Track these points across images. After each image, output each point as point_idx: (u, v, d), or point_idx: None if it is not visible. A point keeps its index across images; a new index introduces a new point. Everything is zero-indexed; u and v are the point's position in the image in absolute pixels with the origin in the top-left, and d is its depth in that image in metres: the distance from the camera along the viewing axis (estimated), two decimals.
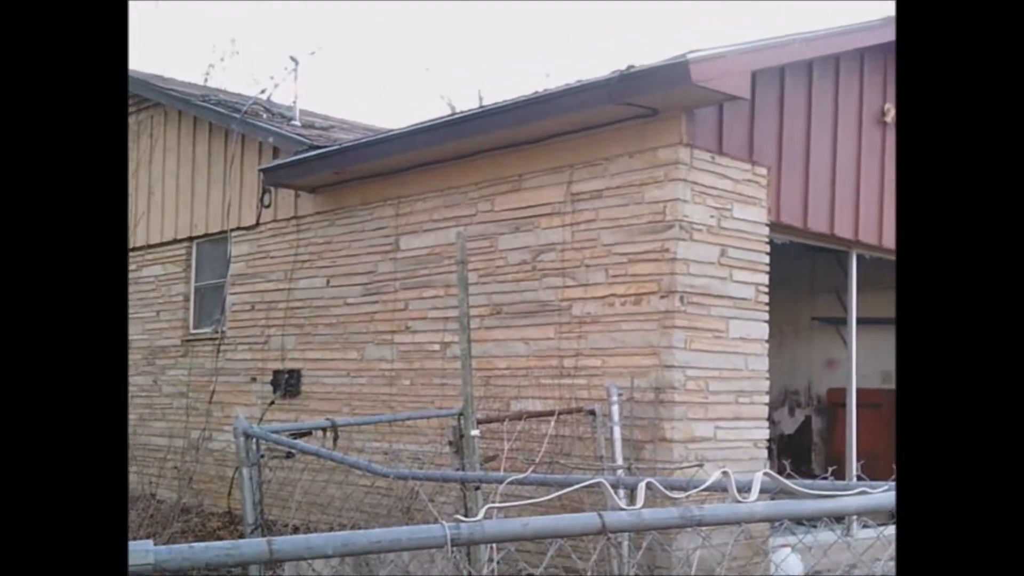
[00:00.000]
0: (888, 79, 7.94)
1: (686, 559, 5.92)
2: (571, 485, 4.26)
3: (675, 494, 3.08)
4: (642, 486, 2.53)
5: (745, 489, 2.66)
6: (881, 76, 7.88)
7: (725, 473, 2.68)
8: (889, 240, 7.96)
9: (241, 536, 8.40)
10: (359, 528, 6.58)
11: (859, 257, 8.06)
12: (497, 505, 2.57)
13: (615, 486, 5.26)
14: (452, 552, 2.07)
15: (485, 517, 2.24)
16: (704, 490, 3.03)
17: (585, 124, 6.66)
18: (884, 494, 2.76)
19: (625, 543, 5.78)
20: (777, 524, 6.17)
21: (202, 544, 1.81)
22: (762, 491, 3.01)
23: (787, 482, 2.87)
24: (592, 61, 31.57)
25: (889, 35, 7.48)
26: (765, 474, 2.75)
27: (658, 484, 2.71)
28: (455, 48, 35.35)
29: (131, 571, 1.68)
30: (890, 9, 7.59)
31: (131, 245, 11.31)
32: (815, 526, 7.12)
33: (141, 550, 1.70)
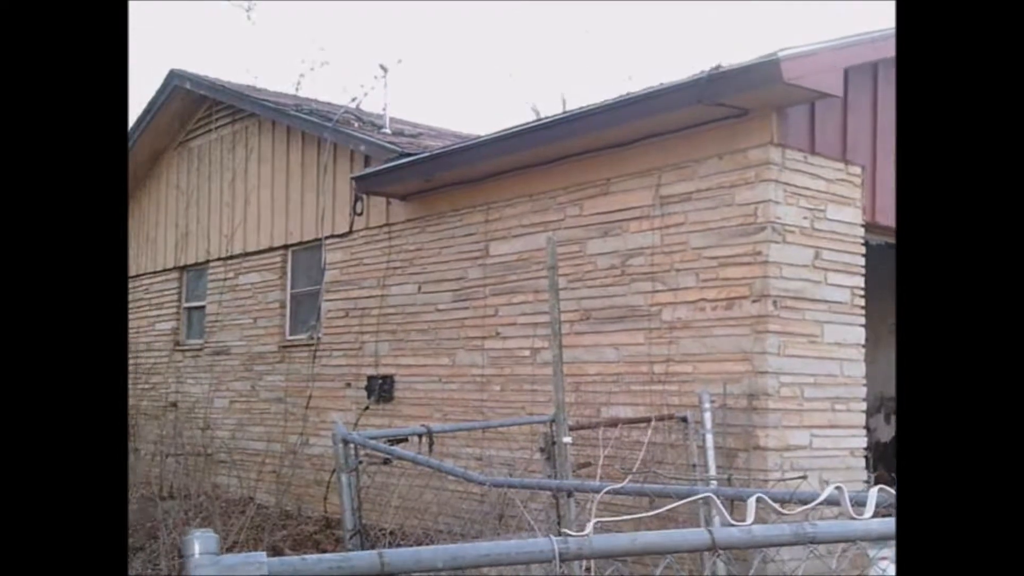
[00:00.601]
0: None
1: (779, 570, 5.79)
2: (669, 496, 4.20)
3: (781, 507, 3.00)
4: (752, 501, 2.44)
5: (858, 504, 2.57)
6: None
7: (839, 488, 2.58)
8: None
9: (338, 541, 8.56)
10: (454, 534, 6.67)
11: None
12: (604, 519, 2.52)
13: (716, 497, 5.19)
14: (561, 567, 2.06)
15: (586, 531, 2.20)
16: (816, 505, 2.93)
17: (673, 126, 6.59)
18: None
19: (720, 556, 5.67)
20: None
21: (314, 556, 1.82)
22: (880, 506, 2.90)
23: None
24: (674, 63, 31.26)
25: None
26: (880, 489, 2.66)
27: (768, 499, 2.62)
28: (538, 53, 35.38)
29: None
30: None
31: (229, 253, 11.65)
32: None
33: (255, 562, 1.70)
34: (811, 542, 2.14)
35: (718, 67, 6.00)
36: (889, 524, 2.35)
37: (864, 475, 6.63)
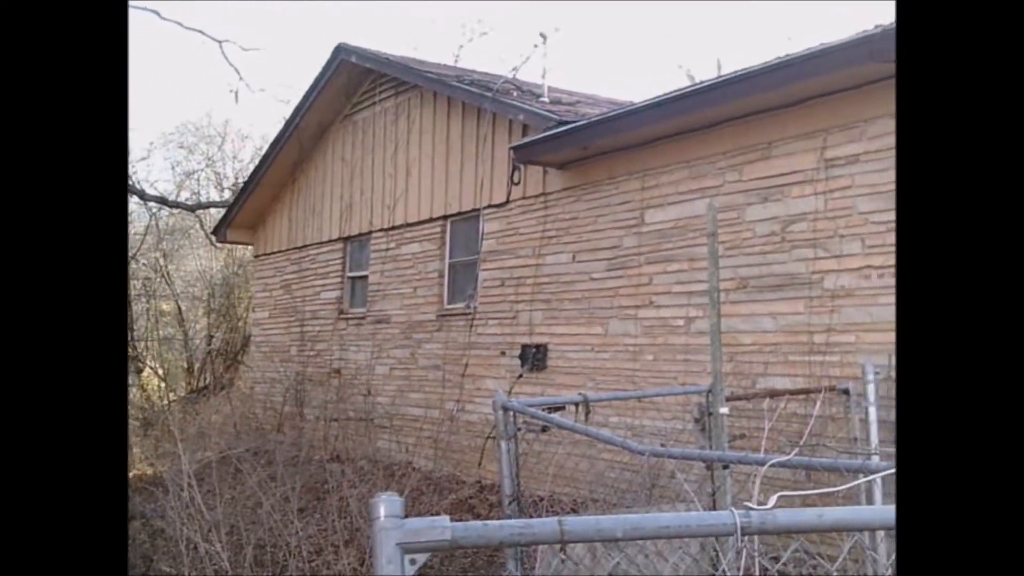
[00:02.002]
0: None
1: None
2: (838, 470, 4.02)
3: None
4: None
5: None
6: None
7: None
8: None
9: (492, 506, 8.71)
10: (607, 503, 6.67)
11: None
12: (788, 493, 2.43)
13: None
14: (743, 540, 2.01)
15: (769, 504, 2.14)
16: None
17: (840, 86, 6.32)
18: None
19: (882, 544, 5.44)
20: None
21: (496, 522, 1.84)
22: None
23: None
24: (831, 25, 29.90)
25: None
26: None
27: None
28: (693, 17, 34.64)
29: (427, 546, 1.73)
30: None
31: (391, 224, 11.98)
32: None
33: (439, 526, 1.73)
34: None
35: (890, 24, 5.70)
36: None
37: None
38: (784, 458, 4.17)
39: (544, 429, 5.81)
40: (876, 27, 5.82)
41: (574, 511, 6.95)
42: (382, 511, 1.70)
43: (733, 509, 1.94)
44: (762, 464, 4.67)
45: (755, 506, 1.93)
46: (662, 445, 6.71)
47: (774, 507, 1.97)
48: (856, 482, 2.52)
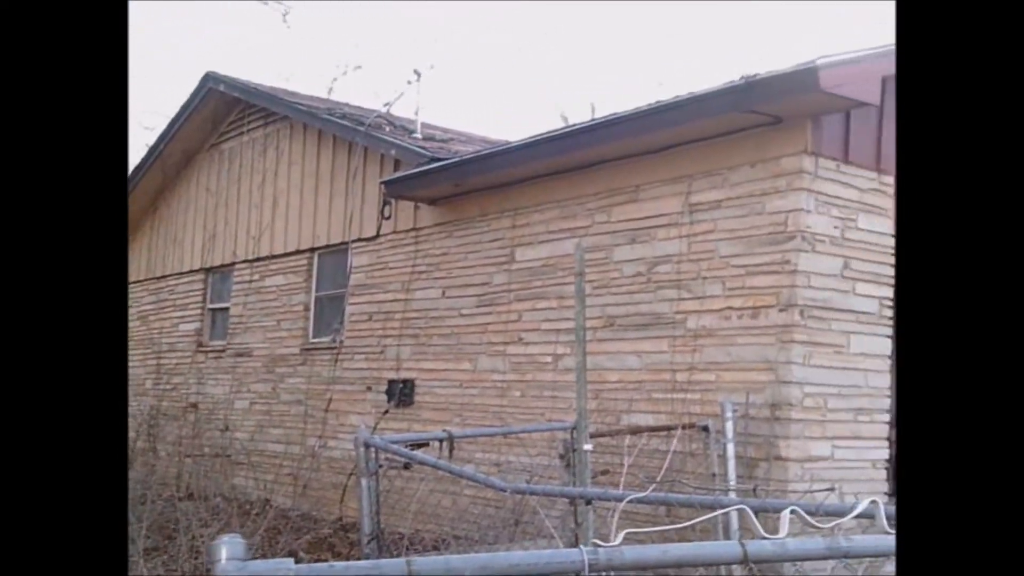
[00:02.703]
0: None
1: None
2: (693, 506, 4.13)
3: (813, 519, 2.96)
4: (786, 514, 2.42)
5: (892, 518, 2.54)
6: None
7: (874, 502, 2.56)
8: None
9: (353, 545, 8.52)
10: (470, 540, 6.63)
11: None
12: (636, 531, 2.49)
13: (771, 510, 5.12)
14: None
15: (616, 541, 2.16)
16: (851, 518, 2.88)
17: (706, 133, 6.60)
18: None
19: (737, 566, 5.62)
20: None
21: (343, 564, 1.83)
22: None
23: None
24: (703, 70, 31.25)
25: None
26: None
27: (802, 512, 2.59)
28: (568, 59, 35.54)
29: None
30: None
31: (255, 256, 11.72)
32: None
33: (283, 569, 1.71)
34: (845, 556, 2.11)
35: (754, 75, 6.01)
36: None
37: (885, 487, 6.57)
38: (641, 494, 4.26)
39: (407, 466, 5.77)
40: (741, 78, 6.12)
41: (435, 549, 6.89)
42: (223, 554, 1.67)
43: (583, 547, 1.98)
44: (620, 500, 4.77)
45: (603, 543, 1.97)
46: (528, 481, 6.75)
47: (621, 544, 2.01)
48: (708, 516, 2.60)
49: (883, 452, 6.65)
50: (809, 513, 3.01)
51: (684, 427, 6.48)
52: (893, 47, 6.21)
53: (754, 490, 5.90)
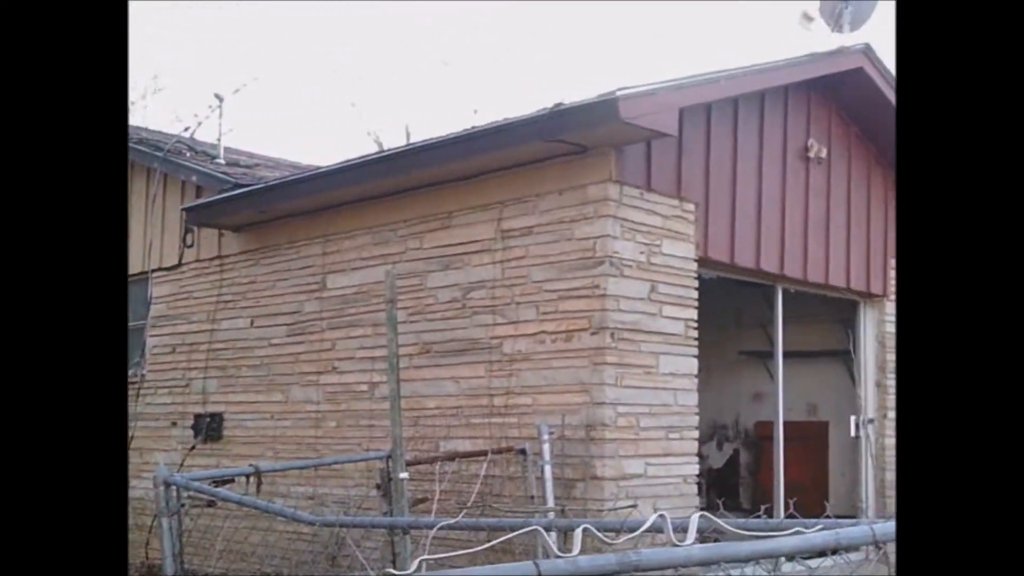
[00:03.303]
0: (812, 115, 8.09)
1: None
2: (504, 529, 4.16)
3: (612, 536, 3.01)
4: (579, 532, 2.49)
5: (682, 530, 2.62)
6: (804, 112, 8.03)
7: (662, 516, 2.64)
8: (814, 273, 8.08)
9: None
10: None
11: (784, 291, 8.16)
12: (429, 557, 2.49)
13: (548, 528, 5.19)
14: None
15: (417, 568, 2.17)
16: (641, 532, 2.98)
17: (515, 161, 6.64)
18: (819, 533, 2.75)
19: None
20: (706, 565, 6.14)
21: None
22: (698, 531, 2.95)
23: (722, 523, 2.83)
24: (520, 97, 31.78)
25: (811, 72, 7.64)
26: (701, 516, 2.71)
27: (594, 530, 2.66)
28: (382, 84, 35.24)
29: None
30: (813, 47, 7.77)
31: None
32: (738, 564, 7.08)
33: None
34: (635, 570, 2.17)
35: (559, 104, 6.09)
36: (711, 549, 2.39)
37: (696, 501, 6.81)
38: (452, 520, 4.27)
39: (211, 504, 5.54)
40: (544, 109, 6.19)
41: None
42: None
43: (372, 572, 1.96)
44: (431, 527, 4.75)
45: (397, 572, 1.95)
46: (345, 513, 6.61)
47: (416, 571, 2.00)
48: (503, 538, 2.63)
49: (693, 468, 6.89)
50: (613, 530, 3.05)
51: (502, 451, 6.51)
52: (688, 80, 6.47)
53: (562, 511, 5.99)
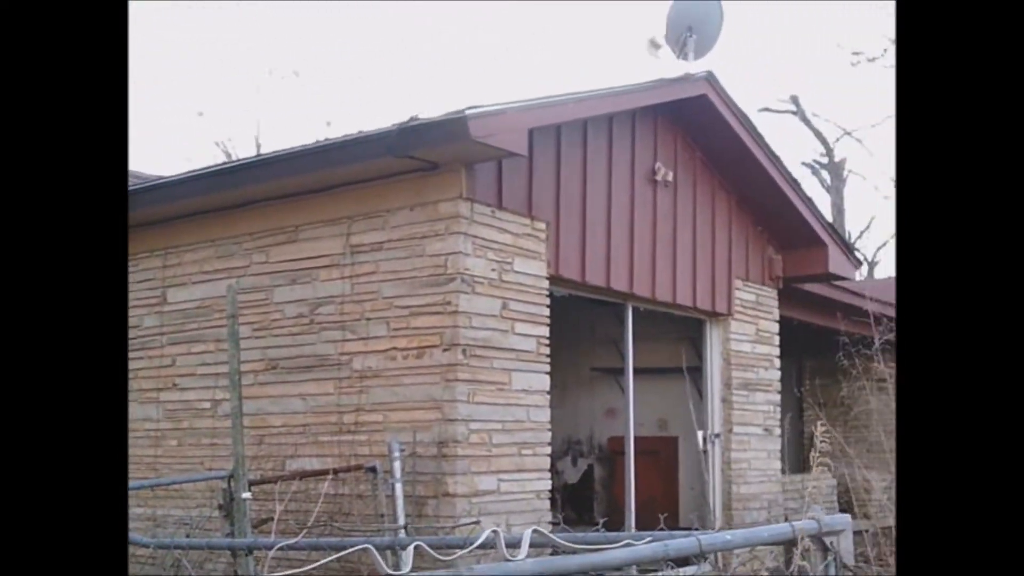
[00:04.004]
0: (659, 139, 8.33)
1: None
2: (345, 548, 4.11)
3: (451, 553, 3.00)
4: (410, 549, 2.50)
5: (516, 545, 2.64)
6: (652, 136, 8.26)
7: (495, 531, 2.66)
8: (662, 292, 8.30)
9: None
10: None
11: (634, 309, 8.35)
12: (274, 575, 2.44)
13: (391, 547, 5.13)
14: None
15: None
16: (478, 548, 2.99)
17: (365, 176, 6.57)
18: (648, 545, 2.81)
19: None
20: None
21: None
22: (538, 546, 2.97)
23: (554, 538, 2.85)
24: (376, 111, 31.60)
25: (657, 97, 7.87)
26: (534, 531, 2.74)
27: (426, 546, 2.66)
28: (232, 94, 34.42)
29: None
30: (660, 73, 8.02)
31: None
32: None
33: None
34: None
35: (410, 120, 6.06)
36: (541, 563, 2.42)
37: (549, 516, 6.86)
38: (292, 540, 4.20)
39: None
40: (395, 124, 6.15)
41: None
42: None
43: None
44: (270, 548, 4.66)
45: None
46: (188, 535, 6.37)
47: None
48: (333, 556, 2.63)
49: (546, 483, 6.94)
50: (453, 547, 3.05)
51: (350, 468, 6.40)
52: (538, 101, 6.56)
53: (405, 528, 5.94)
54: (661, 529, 3.70)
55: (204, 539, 5.70)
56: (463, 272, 6.30)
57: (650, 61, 8.15)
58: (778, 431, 9.72)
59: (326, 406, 6.78)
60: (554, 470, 7.12)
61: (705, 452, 9.19)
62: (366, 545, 2.49)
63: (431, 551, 2.58)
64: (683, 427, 10.08)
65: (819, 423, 2.77)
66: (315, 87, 34.78)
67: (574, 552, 2.83)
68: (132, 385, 7.86)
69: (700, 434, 9.15)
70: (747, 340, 9.41)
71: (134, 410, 7.82)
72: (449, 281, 6.31)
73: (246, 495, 5.33)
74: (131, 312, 7.94)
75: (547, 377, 6.98)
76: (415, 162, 6.27)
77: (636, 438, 8.64)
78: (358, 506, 6.46)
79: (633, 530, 7.42)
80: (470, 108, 5.82)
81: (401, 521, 6.07)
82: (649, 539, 2.96)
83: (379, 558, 2.55)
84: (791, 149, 29.54)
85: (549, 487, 7.01)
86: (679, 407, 10.30)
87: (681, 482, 10.38)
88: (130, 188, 7.89)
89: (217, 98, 33.86)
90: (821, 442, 2.59)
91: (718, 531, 5.08)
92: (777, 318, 9.87)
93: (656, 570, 6.79)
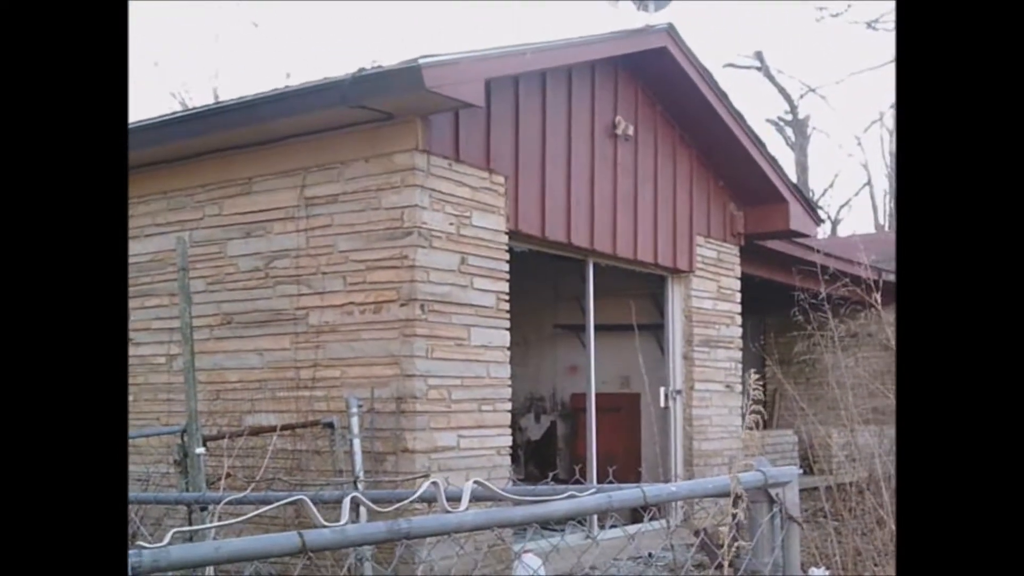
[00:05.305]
0: (619, 93, 8.25)
1: (429, 570, 5.83)
2: (292, 504, 4.09)
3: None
4: (347, 501, 2.44)
5: (456, 498, 2.61)
6: (612, 89, 8.17)
7: (435, 483, 2.63)
8: (623, 249, 8.27)
9: None
10: None
11: (595, 265, 8.32)
12: (183, 529, 2.40)
13: (337, 501, 5.11)
14: None
15: (165, 541, 2.07)
16: (423, 502, 2.95)
17: (320, 126, 6.44)
18: (591, 497, 2.79)
19: (368, 560, 5.60)
20: (522, 530, 6.19)
21: None
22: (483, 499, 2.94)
23: (497, 490, 2.82)
24: (336, 63, 31.18)
25: (616, 49, 7.77)
26: (475, 482, 2.71)
27: (363, 498, 2.62)
28: (189, 45, 33.78)
29: None
30: (620, 26, 7.90)
31: None
32: (562, 529, 7.21)
33: None
34: (406, 538, 2.13)
35: (362, 69, 5.94)
36: (483, 515, 2.39)
37: (509, 472, 6.86)
38: (240, 495, 4.17)
39: None
40: (347, 74, 6.01)
41: None
42: None
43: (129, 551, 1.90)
44: (217, 503, 4.63)
45: (149, 545, 1.89)
46: (144, 490, 6.33)
47: (169, 544, 1.95)
48: (263, 509, 2.61)
49: (507, 439, 6.94)
50: (381, 501, 3.03)
51: (305, 425, 6.36)
52: (494, 51, 6.44)
53: (355, 482, 5.91)
54: (610, 482, 3.69)
55: (152, 494, 5.66)
56: (420, 226, 6.22)
57: (610, 13, 8.03)
58: (739, 388, 9.79)
59: (282, 361, 6.71)
60: (516, 427, 7.13)
61: (667, 408, 9.23)
62: (302, 497, 2.43)
63: (370, 504, 2.54)
64: (645, 384, 10.14)
65: (752, 371, 2.74)
66: (275, 38, 34.23)
67: (519, 504, 2.80)
68: None
69: (662, 390, 9.18)
70: (708, 297, 9.43)
71: None
72: (406, 235, 6.23)
73: (200, 450, 5.30)
74: None
75: (507, 333, 6.95)
76: (370, 112, 6.15)
77: (598, 395, 8.66)
78: (316, 462, 6.43)
79: (595, 484, 7.45)
80: (424, 57, 5.70)
81: (360, 476, 6.05)
82: (593, 491, 2.93)
83: (314, 509, 2.51)
84: (755, 105, 29.55)
85: (510, 443, 7.01)
86: (640, 364, 10.35)
87: (644, 439, 10.44)
88: None
89: (174, 48, 33.25)
90: (754, 391, 2.57)
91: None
92: (739, 275, 9.89)
93: (615, 525, 6.85)
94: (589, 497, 2.79)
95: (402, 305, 6.24)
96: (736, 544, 2.55)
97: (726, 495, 2.91)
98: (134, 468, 7.01)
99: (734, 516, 2.85)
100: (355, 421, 6.10)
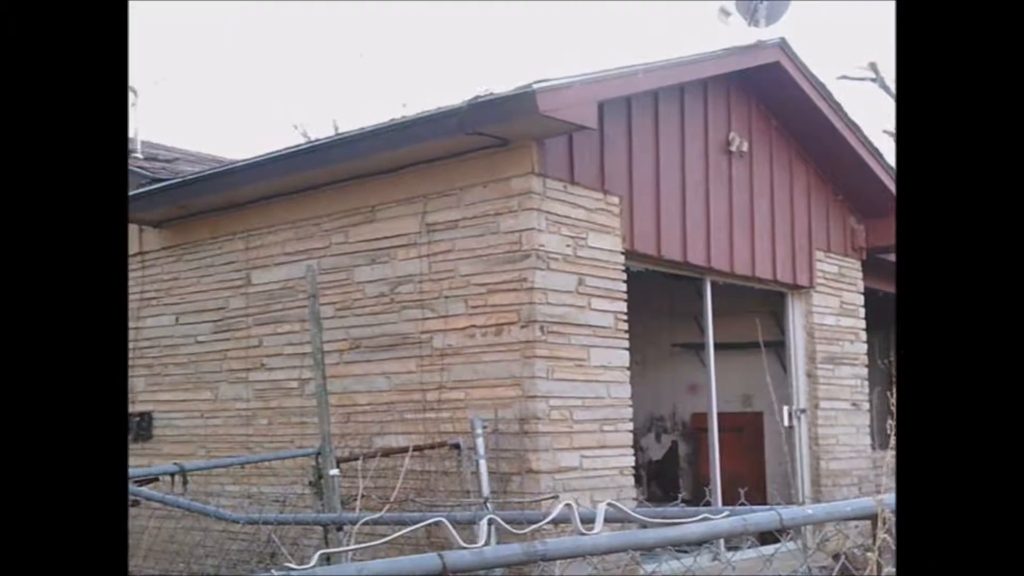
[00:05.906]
0: (733, 109, 8.18)
1: None
2: (433, 524, 4.18)
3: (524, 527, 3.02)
4: (484, 523, 2.50)
5: (591, 520, 2.64)
6: (725, 106, 8.11)
7: (568, 505, 2.66)
8: (740, 266, 8.17)
9: None
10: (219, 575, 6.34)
11: (713, 283, 8.24)
12: (328, 551, 2.49)
13: (471, 522, 5.19)
14: None
15: (311, 563, 2.16)
16: (552, 523, 2.99)
17: (438, 154, 6.61)
18: (725, 519, 2.78)
19: None
20: (648, 552, 6.15)
21: None
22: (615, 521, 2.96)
23: (630, 511, 2.85)
24: (453, 90, 31.63)
25: (729, 66, 7.72)
26: (609, 505, 2.73)
27: (500, 519, 2.67)
28: (310, 77, 34.81)
29: None
30: (730, 42, 7.85)
31: None
32: (687, 551, 7.13)
33: None
34: (542, 559, 2.17)
35: (477, 97, 6.07)
36: (617, 537, 2.41)
37: (634, 492, 6.84)
38: (376, 515, 4.27)
39: (135, 503, 5.48)
40: (464, 102, 6.16)
41: None
42: None
43: (274, 570, 2.00)
44: (354, 523, 4.74)
45: (296, 567, 1.96)
46: (281, 511, 6.55)
47: (315, 566, 2.01)
48: (405, 530, 2.66)
49: (629, 459, 6.92)
50: (532, 522, 3.08)
51: (433, 446, 6.48)
52: (606, 73, 6.48)
53: (485, 502, 5.98)
54: (742, 504, 3.66)
55: (291, 515, 5.85)
56: (537, 248, 6.30)
57: (721, 29, 7.98)
58: (866, 406, 9.51)
59: (409, 384, 6.87)
60: (638, 447, 7.09)
61: (791, 428, 9.03)
62: (440, 519, 2.51)
63: (505, 525, 2.60)
64: (768, 402, 9.95)
65: (890, 392, 2.68)
66: (387, 69, 35.04)
67: (649, 526, 2.82)
68: (222, 365, 8.10)
69: (785, 409, 9.00)
70: (831, 313, 9.22)
71: (225, 390, 8.06)
72: (524, 258, 6.32)
73: (334, 472, 5.43)
74: (217, 294, 8.18)
75: (626, 353, 6.94)
76: (485, 138, 6.28)
77: (720, 414, 8.53)
78: (444, 482, 6.53)
79: (720, 506, 7.36)
80: (537, 82, 5.79)
81: (486, 496, 6.12)
82: (727, 513, 2.92)
83: (453, 531, 2.58)
84: (871, 117, 28.68)
85: (632, 463, 6.98)
86: (763, 382, 10.16)
87: (768, 459, 10.23)
88: (211, 172, 8.12)
89: (294, 83, 34.38)
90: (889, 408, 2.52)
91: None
92: (861, 290, 9.64)
93: (739, 547, 6.75)
94: (723, 520, 2.77)
95: (522, 327, 6.32)
96: (884, 572, 2.50)
97: (866, 517, 2.85)
98: (270, 489, 7.26)
99: (875, 539, 2.79)
100: (480, 442, 6.19)
